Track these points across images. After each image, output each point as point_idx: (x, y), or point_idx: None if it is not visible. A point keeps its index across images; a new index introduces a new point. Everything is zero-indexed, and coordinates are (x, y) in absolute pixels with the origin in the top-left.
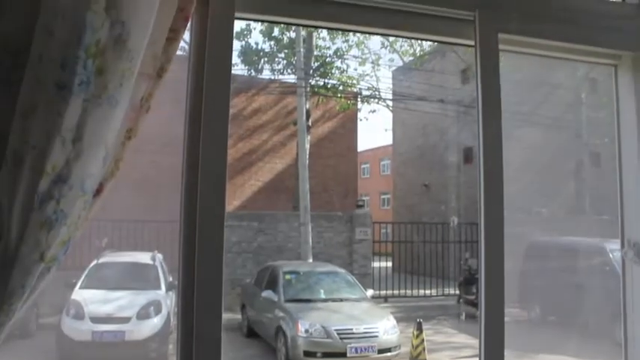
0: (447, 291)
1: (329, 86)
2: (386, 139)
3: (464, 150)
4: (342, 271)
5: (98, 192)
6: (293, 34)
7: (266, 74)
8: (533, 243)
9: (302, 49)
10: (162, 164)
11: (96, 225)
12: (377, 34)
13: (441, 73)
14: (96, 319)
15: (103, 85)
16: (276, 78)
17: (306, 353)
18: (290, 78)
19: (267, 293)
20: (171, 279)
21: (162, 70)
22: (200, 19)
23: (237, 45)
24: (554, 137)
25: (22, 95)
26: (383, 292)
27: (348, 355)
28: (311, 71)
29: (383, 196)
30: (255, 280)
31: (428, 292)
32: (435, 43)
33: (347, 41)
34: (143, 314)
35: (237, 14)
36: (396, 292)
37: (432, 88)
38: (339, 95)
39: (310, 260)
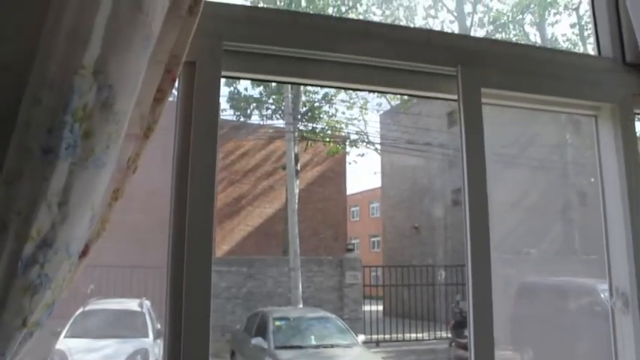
0: (438, 334)
1: (317, 130)
2: (375, 182)
3: (452, 192)
4: (332, 316)
5: (84, 253)
6: None
7: (255, 119)
8: (523, 284)
9: (290, 95)
10: (150, 210)
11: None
12: (361, 90)
13: (428, 117)
14: None
15: (89, 148)
16: (265, 123)
17: None
18: (279, 123)
19: (257, 340)
20: (159, 326)
21: (149, 131)
22: (187, 78)
23: (225, 91)
24: (541, 178)
25: (8, 162)
26: (374, 337)
27: None
28: (299, 116)
29: (373, 239)
30: (244, 327)
31: (419, 335)
32: None
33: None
34: None
35: (223, 72)
36: (387, 336)
37: (419, 131)
38: (327, 140)
39: (300, 305)
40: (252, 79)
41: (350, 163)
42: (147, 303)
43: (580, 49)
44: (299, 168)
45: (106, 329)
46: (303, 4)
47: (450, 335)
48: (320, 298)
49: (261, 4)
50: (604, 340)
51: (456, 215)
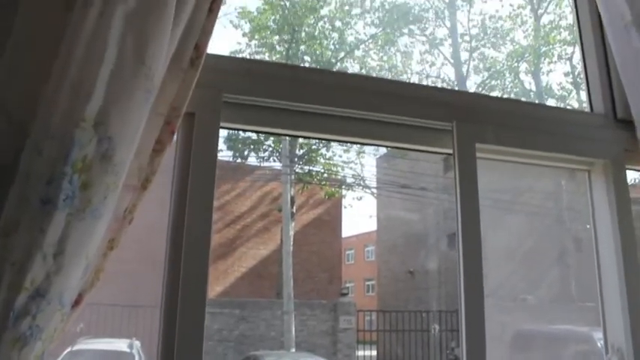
0: None
1: (314, 173)
2: (370, 225)
3: (447, 236)
4: None
5: (77, 303)
6: None
7: (251, 161)
8: (519, 332)
9: (287, 137)
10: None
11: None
12: (358, 143)
13: (425, 161)
14: None
15: (87, 199)
16: (262, 165)
17: None
18: (275, 165)
19: None
20: None
21: (146, 182)
22: (186, 128)
23: (224, 132)
24: (537, 224)
25: (6, 213)
26: None
27: None
28: (296, 158)
29: (367, 283)
30: None
31: None
32: None
33: None
34: None
35: (222, 124)
36: None
37: (415, 175)
38: (323, 183)
39: (293, 350)
40: (250, 131)
41: (345, 207)
42: (137, 343)
43: (574, 96)
44: (295, 210)
45: None
46: (302, 48)
47: None
48: (313, 343)
49: (259, 54)
50: None
51: (450, 260)
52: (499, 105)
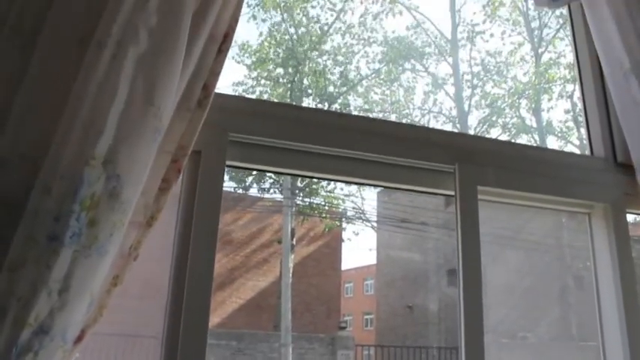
0: None
1: (314, 205)
2: (370, 258)
3: (447, 272)
4: None
5: (79, 339)
6: None
7: (253, 192)
8: None
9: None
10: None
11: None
12: (360, 184)
13: (426, 195)
14: None
15: (94, 236)
16: (263, 196)
17: None
18: (277, 196)
19: None
20: None
21: (152, 219)
22: (192, 166)
23: None
24: (538, 260)
25: (13, 249)
26: None
27: None
28: (297, 190)
29: (366, 317)
30: None
31: None
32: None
33: None
34: None
35: (228, 162)
36: None
37: (416, 210)
38: (324, 215)
39: None
40: (255, 170)
41: (344, 241)
42: None
43: (575, 133)
44: (295, 242)
45: None
46: (306, 82)
47: None
48: None
49: (262, 86)
50: None
51: (450, 296)
52: (500, 147)
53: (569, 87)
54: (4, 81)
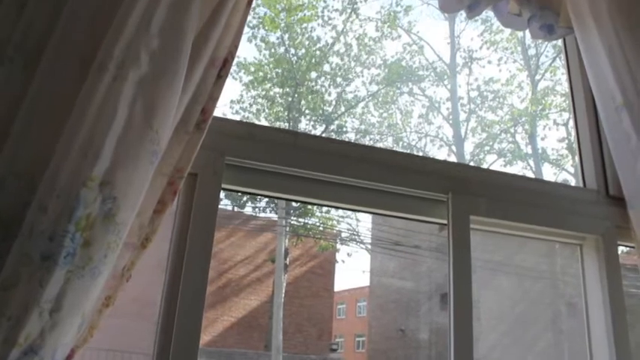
0: None
1: (309, 226)
2: (363, 280)
3: (440, 296)
4: None
5: (68, 358)
6: None
7: (248, 210)
8: None
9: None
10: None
11: None
12: (355, 210)
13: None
14: None
15: (88, 257)
16: (258, 215)
17: None
18: (271, 216)
19: None
20: None
21: (146, 241)
22: (188, 189)
23: None
24: (530, 287)
25: (7, 267)
26: None
27: None
28: (292, 210)
29: (358, 339)
30: None
31: None
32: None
33: None
34: None
35: (223, 185)
36: None
37: (410, 233)
38: (318, 236)
39: None
40: (250, 193)
41: (338, 262)
42: None
43: (569, 160)
44: (288, 262)
45: None
46: (303, 103)
47: None
48: None
49: (259, 105)
50: None
51: (442, 320)
52: (493, 177)
53: (565, 115)
54: (7, 100)
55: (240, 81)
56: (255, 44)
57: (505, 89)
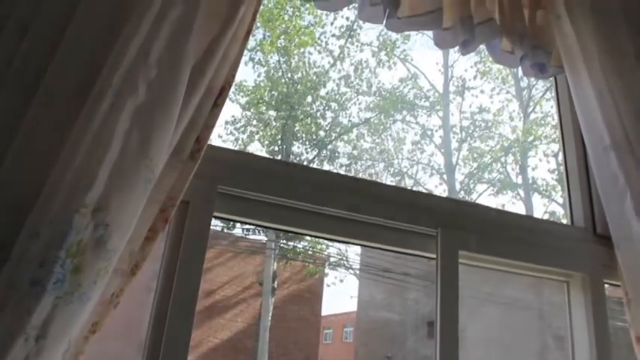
0: None
1: (298, 250)
2: (351, 305)
3: (427, 324)
4: None
5: None
6: None
7: (237, 231)
8: None
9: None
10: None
11: None
12: (344, 242)
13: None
14: None
15: (77, 283)
16: (247, 236)
17: None
18: (261, 238)
19: None
20: None
21: (136, 268)
22: (179, 215)
23: None
24: (517, 317)
25: None
26: None
27: None
28: (281, 233)
29: None
30: None
31: None
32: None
33: None
34: None
35: (215, 213)
36: None
37: (399, 260)
38: (307, 261)
39: None
40: (242, 222)
41: (328, 286)
42: None
43: (559, 192)
44: (276, 285)
45: None
46: (297, 127)
47: None
48: None
49: (253, 126)
50: None
51: (429, 348)
52: (483, 213)
53: (555, 146)
54: (3, 123)
55: (237, 102)
56: (253, 67)
57: (497, 119)
